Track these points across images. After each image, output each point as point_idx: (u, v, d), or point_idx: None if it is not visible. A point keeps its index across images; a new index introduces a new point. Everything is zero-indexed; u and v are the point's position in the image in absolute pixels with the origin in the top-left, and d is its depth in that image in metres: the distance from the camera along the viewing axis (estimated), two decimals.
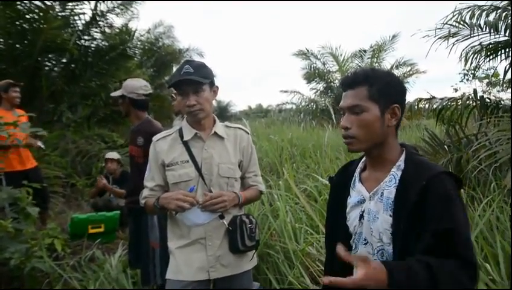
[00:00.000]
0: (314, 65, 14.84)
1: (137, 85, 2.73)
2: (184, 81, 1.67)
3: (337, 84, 14.39)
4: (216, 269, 1.73)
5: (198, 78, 1.67)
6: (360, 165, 1.27)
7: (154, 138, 1.83)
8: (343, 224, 1.25)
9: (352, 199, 1.23)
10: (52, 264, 3.10)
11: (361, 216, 1.18)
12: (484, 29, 4.20)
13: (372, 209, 1.15)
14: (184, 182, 1.73)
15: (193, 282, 1.72)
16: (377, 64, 13.63)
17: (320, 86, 15.02)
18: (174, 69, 11.57)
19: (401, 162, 1.14)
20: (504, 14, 4.05)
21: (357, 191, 1.22)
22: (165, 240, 2.68)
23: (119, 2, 7.49)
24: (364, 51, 14.23)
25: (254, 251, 1.82)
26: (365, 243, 1.17)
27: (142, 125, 2.70)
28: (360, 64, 13.87)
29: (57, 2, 6.37)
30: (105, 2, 7.18)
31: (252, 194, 1.89)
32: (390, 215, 1.09)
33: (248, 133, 1.91)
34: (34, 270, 3.03)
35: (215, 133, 1.79)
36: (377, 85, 1.12)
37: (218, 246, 1.74)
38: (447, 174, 1.07)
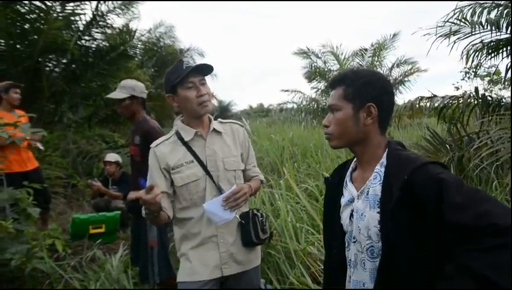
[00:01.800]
0: (315, 64, 14.74)
1: (142, 85, 2.80)
2: (197, 69, 1.67)
3: None
4: (229, 266, 1.74)
5: (206, 65, 1.70)
6: (352, 165, 1.29)
7: (153, 144, 1.79)
8: (339, 224, 1.27)
9: (344, 199, 1.26)
10: (53, 264, 3.10)
11: (351, 215, 1.20)
12: (485, 27, 4.17)
13: (359, 208, 1.16)
14: (192, 182, 1.72)
15: (210, 281, 1.71)
16: (377, 62, 13.56)
17: (321, 84, 14.91)
18: None
19: (384, 159, 1.15)
20: (506, 11, 4.02)
21: (348, 190, 1.25)
22: (163, 239, 2.68)
23: (119, 2, 7.48)
24: (365, 50, 14.12)
25: (268, 242, 1.82)
26: (354, 242, 1.19)
27: (139, 124, 2.72)
28: (360, 63, 13.80)
29: (58, 3, 6.35)
30: (106, 2, 7.17)
31: (257, 184, 1.91)
32: (378, 212, 1.09)
33: (242, 127, 1.93)
34: (35, 271, 3.04)
35: (214, 130, 1.80)
36: (354, 85, 1.16)
37: (231, 243, 1.74)
38: (430, 163, 1.05)
